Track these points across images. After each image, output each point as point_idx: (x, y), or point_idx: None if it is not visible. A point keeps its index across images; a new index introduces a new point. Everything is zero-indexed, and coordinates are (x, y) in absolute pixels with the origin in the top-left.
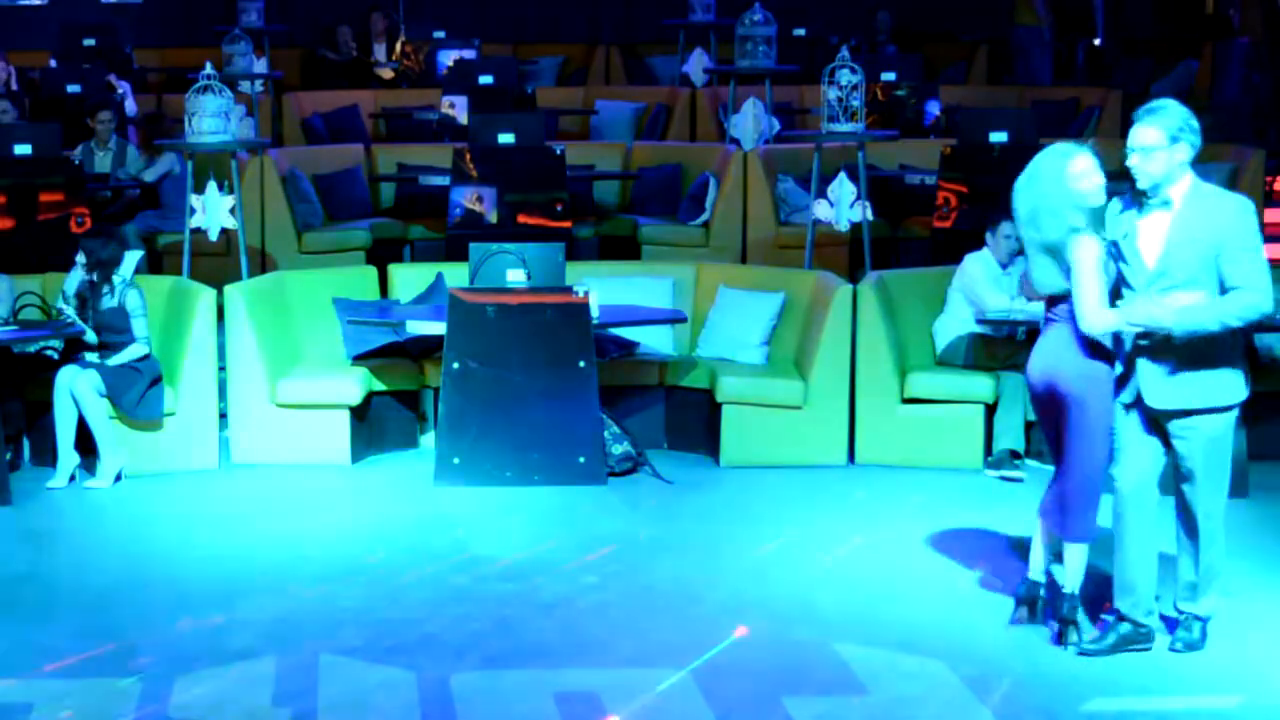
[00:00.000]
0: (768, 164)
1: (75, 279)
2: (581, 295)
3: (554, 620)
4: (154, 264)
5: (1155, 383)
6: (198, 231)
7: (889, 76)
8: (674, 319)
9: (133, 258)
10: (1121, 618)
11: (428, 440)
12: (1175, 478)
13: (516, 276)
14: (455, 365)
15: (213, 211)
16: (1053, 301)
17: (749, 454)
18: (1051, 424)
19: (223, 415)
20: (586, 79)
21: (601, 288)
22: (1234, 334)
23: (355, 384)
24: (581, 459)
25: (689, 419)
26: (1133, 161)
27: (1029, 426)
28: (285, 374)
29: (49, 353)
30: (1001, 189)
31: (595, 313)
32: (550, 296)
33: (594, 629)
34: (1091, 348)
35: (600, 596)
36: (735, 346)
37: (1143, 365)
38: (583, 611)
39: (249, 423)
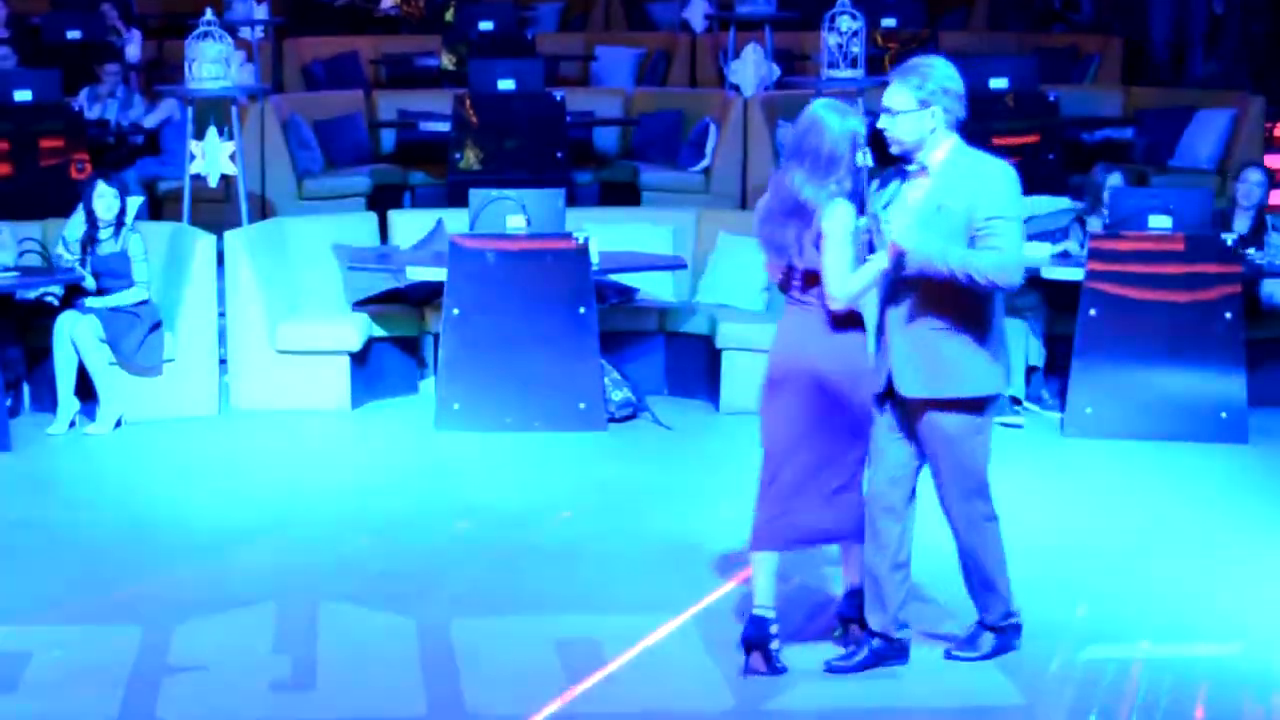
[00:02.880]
0: (768, 110)
1: (77, 225)
2: (581, 241)
3: (554, 566)
4: (154, 210)
5: (902, 367)
6: (198, 178)
7: (889, 22)
8: (674, 265)
9: (134, 203)
10: (873, 634)
11: (428, 386)
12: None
13: (516, 223)
14: (455, 311)
15: (213, 158)
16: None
17: (748, 399)
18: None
19: (222, 361)
20: (586, 25)
21: (601, 234)
22: (989, 320)
23: (355, 330)
24: (582, 405)
25: (689, 365)
26: (882, 124)
27: (1030, 372)
28: (285, 320)
29: (49, 299)
30: (1002, 135)
31: (595, 259)
32: (550, 243)
33: (594, 575)
34: (843, 332)
35: (600, 543)
36: (735, 293)
37: (894, 348)
38: (582, 558)
39: (249, 369)
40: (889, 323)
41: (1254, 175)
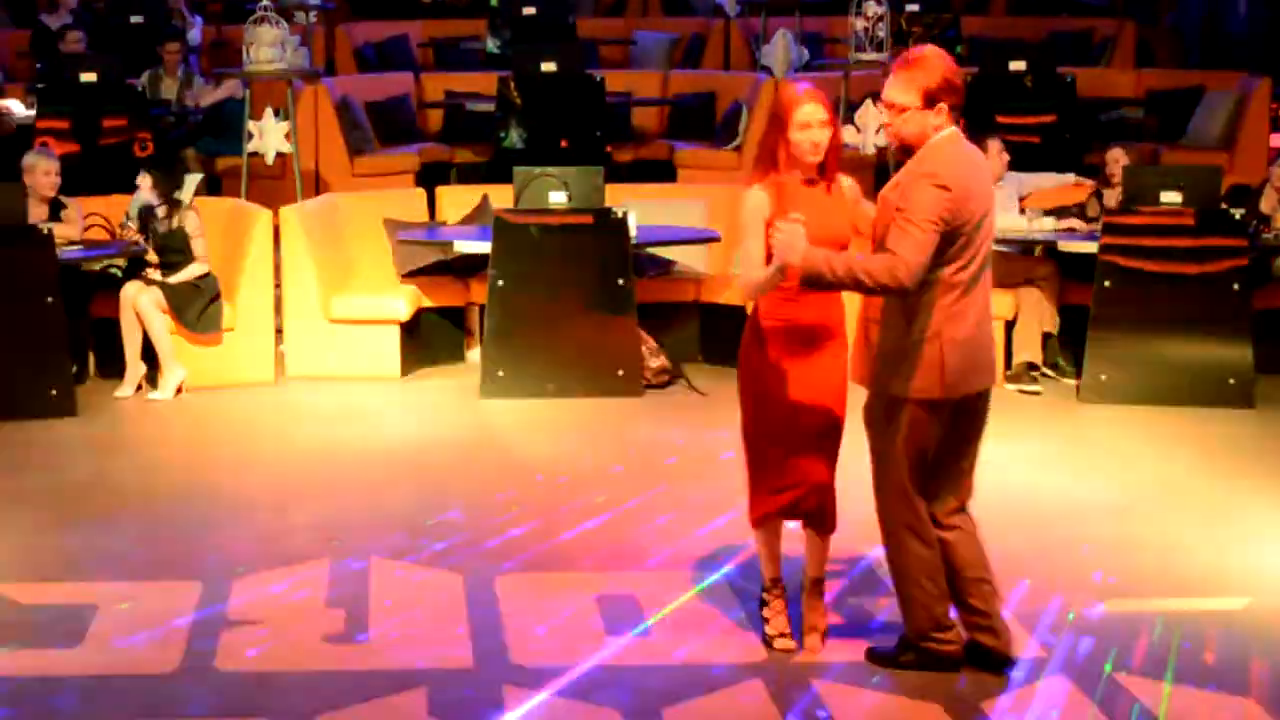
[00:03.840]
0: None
1: (137, 202)
2: (620, 216)
3: (594, 526)
4: (213, 187)
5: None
6: (255, 155)
7: (913, 7)
8: (708, 238)
9: (192, 181)
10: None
11: (474, 354)
12: None
13: (558, 198)
14: (500, 283)
15: (269, 136)
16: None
17: None
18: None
19: (278, 331)
20: (625, 10)
21: (639, 209)
22: (914, 324)
23: (405, 301)
24: (620, 372)
25: (722, 334)
26: (886, 119)
27: (1046, 340)
28: (338, 291)
29: (114, 271)
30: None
31: (633, 233)
32: (590, 217)
33: (631, 533)
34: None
35: (637, 503)
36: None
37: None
38: (620, 517)
39: (303, 338)
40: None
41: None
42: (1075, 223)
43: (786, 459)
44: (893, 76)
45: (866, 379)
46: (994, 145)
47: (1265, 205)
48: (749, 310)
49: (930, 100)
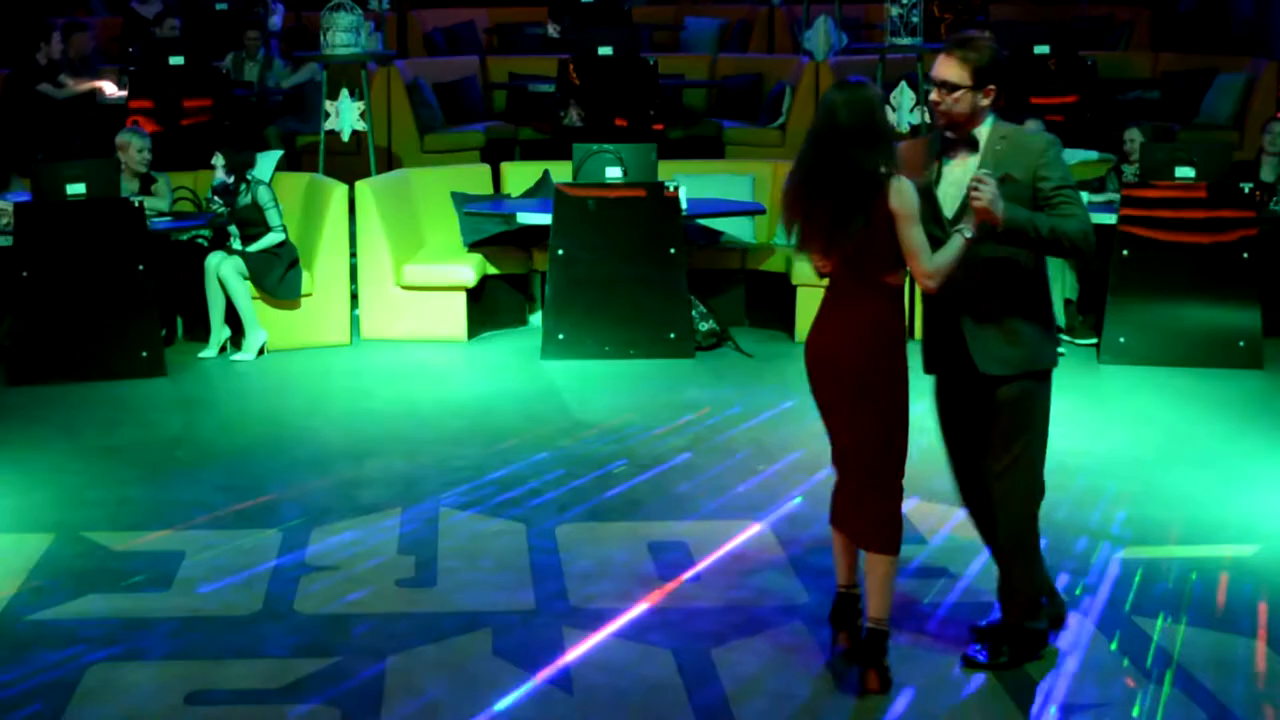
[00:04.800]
0: (837, 74)
1: (216, 179)
2: (672, 190)
3: (647, 478)
4: (293, 162)
5: (981, 347)
6: (332, 133)
7: None
8: (753, 210)
9: (273, 157)
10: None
11: (535, 319)
12: None
13: (614, 173)
14: (560, 252)
15: (345, 116)
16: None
17: None
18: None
19: (354, 296)
20: None
21: (689, 183)
22: (1048, 296)
23: (471, 269)
24: (672, 335)
25: (767, 299)
26: (935, 98)
27: (1067, 304)
28: (409, 260)
29: (200, 241)
30: (1044, 95)
31: (684, 205)
32: (644, 191)
33: (682, 486)
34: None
35: (688, 457)
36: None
37: (967, 327)
38: (672, 470)
39: (377, 303)
40: (953, 303)
41: (1278, 126)
42: (1111, 195)
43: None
44: (945, 56)
45: (1002, 364)
46: (1034, 126)
47: (1266, 173)
48: (877, 310)
49: (981, 81)
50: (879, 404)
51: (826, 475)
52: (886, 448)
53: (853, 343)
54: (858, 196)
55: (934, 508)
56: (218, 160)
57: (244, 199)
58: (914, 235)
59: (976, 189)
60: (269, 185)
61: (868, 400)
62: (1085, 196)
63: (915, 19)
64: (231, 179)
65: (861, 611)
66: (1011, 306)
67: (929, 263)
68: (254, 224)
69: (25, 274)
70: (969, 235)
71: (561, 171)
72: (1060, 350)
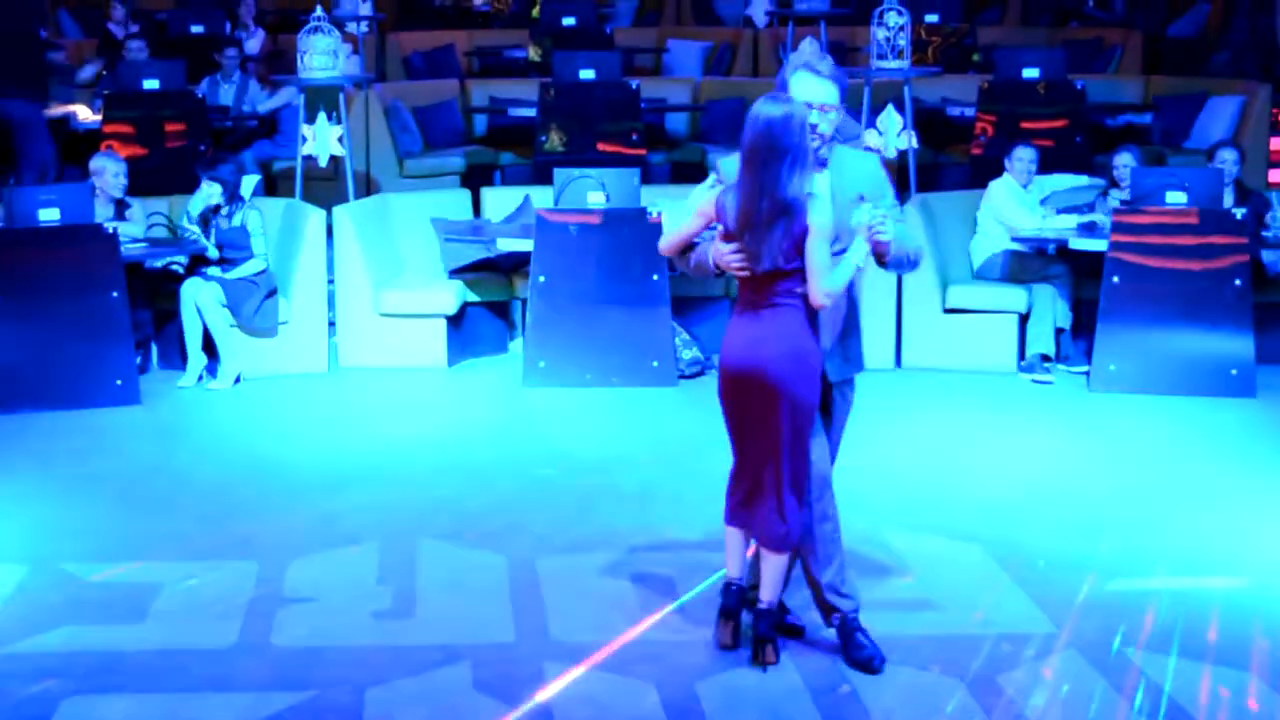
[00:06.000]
0: None
1: (200, 201)
2: (655, 216)
3: (630, 507)
4: (269, 187)
5: (833, 354)
6: (309, 158)
7: (932, 18)
8: None
9: (250, 181)
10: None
11: (516, 346)
12: None
13: (596, 198)
14: (541, 278)
15: (322, 140)
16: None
17: None
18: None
19: (331, 324)
20: (659, 20)
21: (672, 209)
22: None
23: (451, 295)
24: (655, 363)
25: None
26: (814, 119)
27: (1058, 333)
28: (388, 286)
29: (175, 267)
30: (1034, 120)
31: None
32: (627, 217)
33: (666, 515)
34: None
35: (671, 486)
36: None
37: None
38: (656, 499)
39: (355, 330)
40: (827, 314)
41: (1228, 154)
42: (1098, 217)
43: None
44: (817, 77)
45: (842, 370)
46: (1029, 154)
47: (1226, 200)
48: (798, 321)
49: (842, 101)
50: (797, 410)
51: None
52: (801, 452)
53: (779, 353)
54: (797, 214)
55: (917, 538)
56: (211, 187)
57: (231, 222)
58: (824, 252)
59: (881, 228)
60: (259, 210)
61: (788, 406)
62: (1074, 220)
63: (902, 42)
64: (224, 199)
65: (747, 601)
66: (850, 320)
67: (829, 283)
68: (236, 248)
69: None
70: (861, 266)
71: (543, 197)
72: (1050, 378)
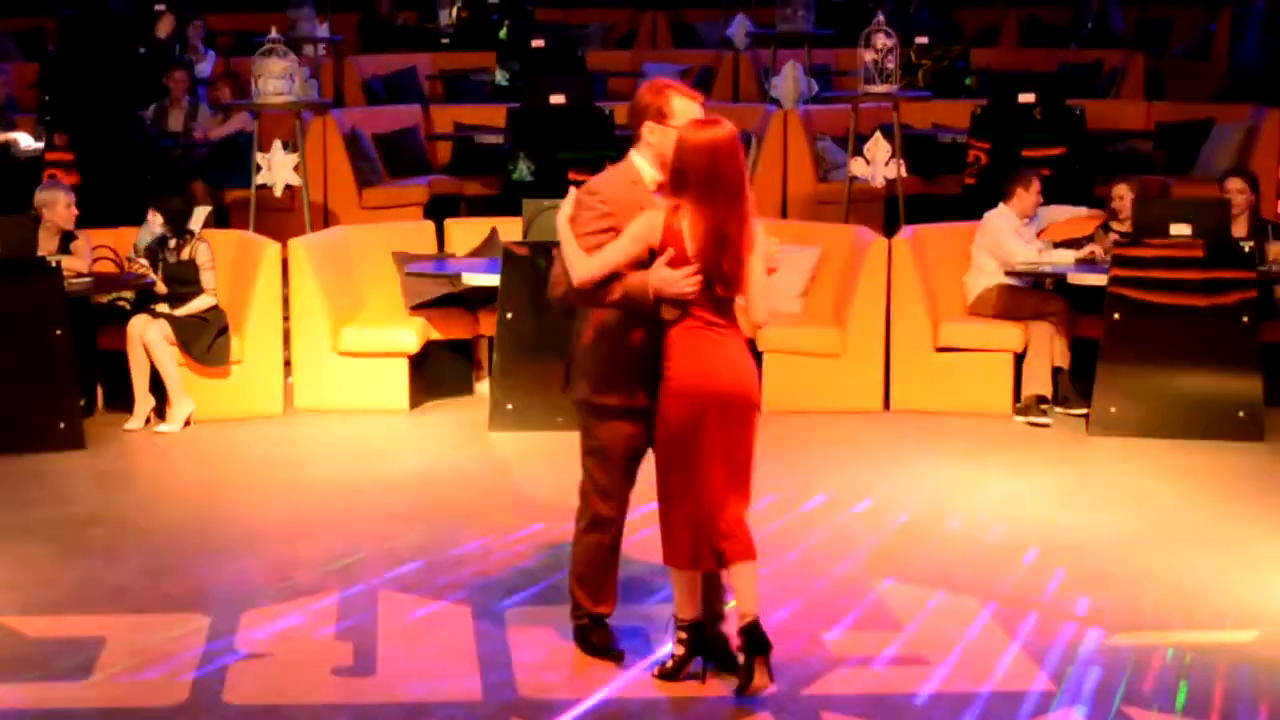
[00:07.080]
0: (807, 124)
1: (147, 234)
2: None
3: None
4: (221, 218)
5: None
6: (263, 187)
7: (922, 40)
8: None
9: (201, 213)
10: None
11: (482, 387)
12: None
13: None
14: (509, 315)
15: (278, 168)
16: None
17: (790, 400)
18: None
19: (287, 363)
20: (634, 43)
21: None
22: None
23: (413, 333)
24: None
25: None
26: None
27: (1056, 373)
28: (346, 323)
29: (122, 304)
30: (1031, 146)
31: None
32: None
33: (640, 566)
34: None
35: (644, 535)
36: (776, 297)
37: None
38: (629, 550)
39: (312, 370)
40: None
41: (1236, 184)
42: (1096, 250)
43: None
44: (696, 97)
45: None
46: (1035, 184)
47: (1237, 229)
48: (744, 343)
49: None
50: (752, 427)
51: (793, 558)
52: (749, 465)
53: (746, 378)
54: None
55: (909, 590)
56: (155, 216)
57: (180, 256)
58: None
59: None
60: (208, 244)
61: (751, 426)
62: (1070, 255)
63: (890, 65)
64: (171, 233)
65: (723, 634)
66: None
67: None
68: (186, 283)
69: None
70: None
71: (510, 229)
72: (1047, 421)
